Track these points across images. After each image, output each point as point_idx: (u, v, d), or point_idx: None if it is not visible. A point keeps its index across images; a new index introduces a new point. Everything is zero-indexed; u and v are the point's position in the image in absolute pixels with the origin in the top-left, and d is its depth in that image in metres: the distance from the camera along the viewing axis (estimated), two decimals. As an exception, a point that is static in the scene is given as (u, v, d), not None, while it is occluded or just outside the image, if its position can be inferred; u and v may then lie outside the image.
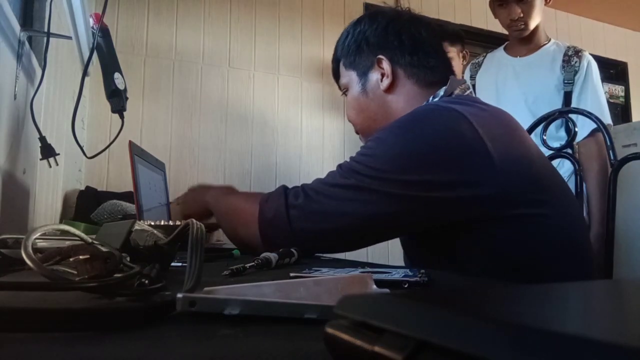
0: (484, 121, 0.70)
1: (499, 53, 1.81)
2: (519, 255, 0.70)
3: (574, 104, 1.59)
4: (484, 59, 1.85)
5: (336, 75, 0.96)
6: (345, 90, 0.93)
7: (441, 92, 0.82)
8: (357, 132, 0.95)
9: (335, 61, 0.95)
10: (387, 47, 0.85)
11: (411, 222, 0.71)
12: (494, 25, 3.06)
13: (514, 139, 0.72)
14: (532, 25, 1.67)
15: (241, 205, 0.83)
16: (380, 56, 0.85)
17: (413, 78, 0.84)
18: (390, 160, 0.68)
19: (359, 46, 0.87)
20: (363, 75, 0.88)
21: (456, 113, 0.70)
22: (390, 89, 0.85)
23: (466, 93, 0.83)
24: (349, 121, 0.94)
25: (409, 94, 0.84)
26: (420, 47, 0.84)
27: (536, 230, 0.69)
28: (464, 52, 2.16)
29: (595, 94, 1.62)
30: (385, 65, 0.85)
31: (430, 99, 0.82)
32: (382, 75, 0.85)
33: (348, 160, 0.73)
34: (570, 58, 1.65)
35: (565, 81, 1.63)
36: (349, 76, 0.90)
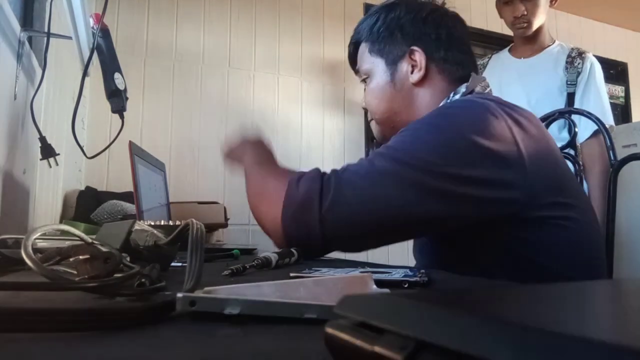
0: (516, 120, 0.70)
1: (504, 55, 1.82)
2: (541, 257, 0.69)
3: (577, 105, 1.59)
4: (489, 60, 1.85)
5: (353, 59, 0.92)
6: (366, 77, 0.89)
7: (462, 88, 0.80)
8: (371, 119, 0.92)
9: (355, 44, 0.91)
10: (423, 40, 0.82)
11: (443, 216, 0.67)
12: (494, 26, 3.06)
13: (541, 140, 0.72)
14: (535, 24, 1.67)
15: (270, 183, 0.76)
16: (415, 47, 0.82)
17: (443, 74, 0.83)
18: (430, 151, 0.66)
19: (391, 33, 0.84)
20: (392, 64, 0.84)
21: (491, 110, 0.70)
22: (419, 82, 0.83)
23: (486, 91, 0.82)
24: (367, 108, 0.91)
25: (436, 89, 0.83)
26: (454, 43, 0.84)
27: (560, 233, 0.69)
28: None
29: (598, 95, 1.63)
30: (419, 57, 0.82)
31: (451, 95, 0.81)
32: (413, 67, 0.83)
33: (382, 149, 0.70)
34: (574, 59, 1.65)
35: (569, 82, 1.63)
36: (375, 63, 0.86)
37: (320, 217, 0.66)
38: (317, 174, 0.70)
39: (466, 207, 0.66)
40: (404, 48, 0.83)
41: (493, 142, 0.67)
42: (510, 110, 0.72)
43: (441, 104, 0.81)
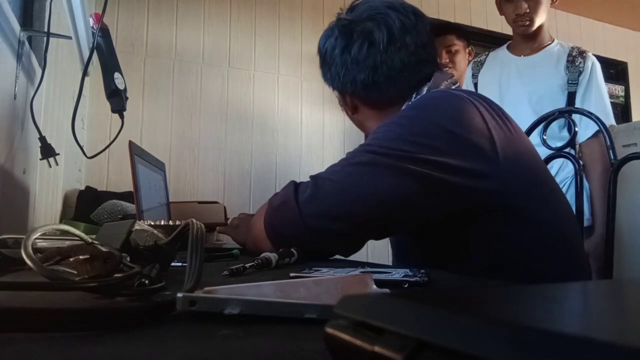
0: (488, 111, 0.71)
1: (502, 52, 1.81)
2: (515, 252, 0.69)
3: (578, 105, 1.59)
4: (486, 57, 1.85)
5: None
6: None
7: (424, 89, 0.79)
8: None
9: None
10: (347, 84, 0.82)
11: (420, 205, 0.67)
12: (494, 25, 3.06)
13: (512, 131, 0.73)
14: (537, 22, 1.67)
15: (257, 213, 0.81)
16: (335, 92, 0.86)
17: (373, 105, 0.83)
18: (403, 140, 0.67)
19: (327, 66, 0.85)
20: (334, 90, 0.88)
21: (464, 99, 0.71)
22: (356, 112, 0.86)
23: (454, 87, 0.82)
24: None
25: (375, 115, 0.84)
26: (376, 77, 0.79)
27: (533, 227, 0.69)
28: (470, 48, 2.17)
29: (599, 95, 1.63)
30: (342, 99, 0.86)
31: (414, 96, 0.80)
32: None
33: (357, 147, 0.72)
34: (575, 58, 1.65)
35: (570, 81, 1.63)
36: None
37: (299, 211, 0.69)
38: (291, 183, 0.75)
39: (439, 193, 0.66)
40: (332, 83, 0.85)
41: (466, 131, 0.67)
42: (482, 101, 0.73)
43: (404, 105, 0.80)
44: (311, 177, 0.72)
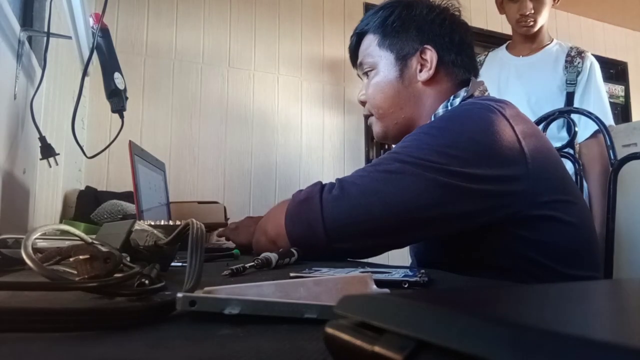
0: (517, 120, 0.71)
1: (501, 52, 1.81)
2: (541, 256, 0.69)
3: (576, 105, 1.59)
4: (485, 57, 1.85)
5: (355, 50, 0.92)
6: (369, 70, 0.88)
7: (462, 92, 0.81)
8: (368, 115, 0.91)
9: (360, 35, 0.90)
10: (437, 41, 0.83)
11: (446, 215, 0.66)
12: (494, 25, 3.06)
13: (540, 139, 0.73)
14: (540, 23, 1.67)
15: (273, 209, 0.80)
16: (428, 47, 0.83)
17: (450, 76, 0.84)
18: (434, 151, 0.67)
19: (406, 29, 0.84)
20: (402, 60, 0.84)
21: (494, 111, 0.71)
22: (427, 81, 0.83)
23: (485, 95, 0.83)
24: (370, 102, 0.88)
25: (442, 89, 0.84)
26: (465, 48, 0.86)
27: (560, 231, 0.70)
28: None
29: (598, 95, 1.62)
30: (431, 57, 0.83)
31: (451, 98, 0.82)
32: (422, 65, 0.83)
33: (385, 154, 0.72)
34: (573, 59, 1.65)
35: (568, 82, 1.63)
36: (383, 57, 0.86)
37: (322, 209, 0.68)
38: (319, 182, 0.74)
39: (468, 202, 0.66)
40: (416, 45, 0.84)
41: (495, 143, 0.67)
42: (510, 109, 0.73)
43: (441, 107, 0.82)
44: (337, 179, 0.72)
